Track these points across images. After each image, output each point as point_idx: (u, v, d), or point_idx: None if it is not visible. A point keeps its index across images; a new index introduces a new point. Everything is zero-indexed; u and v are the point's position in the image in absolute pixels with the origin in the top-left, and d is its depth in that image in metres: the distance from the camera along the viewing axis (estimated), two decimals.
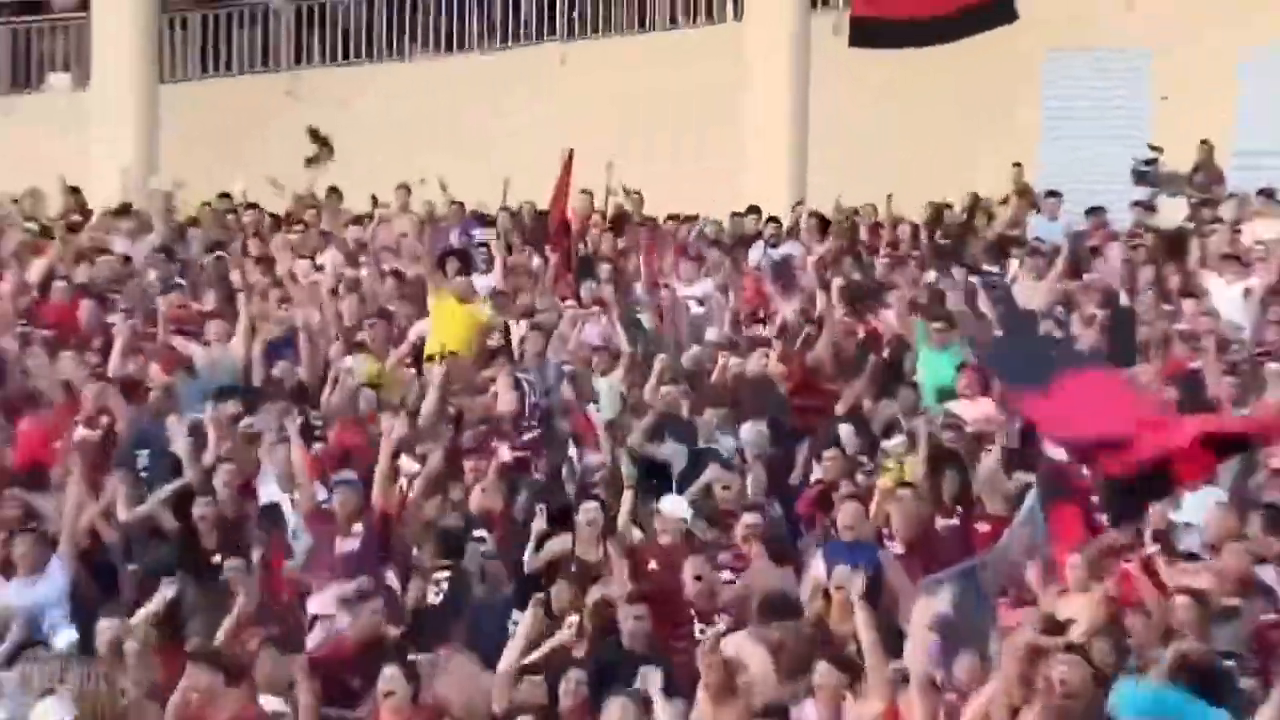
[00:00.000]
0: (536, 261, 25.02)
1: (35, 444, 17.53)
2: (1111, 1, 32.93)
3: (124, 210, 27.09)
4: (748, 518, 16.36)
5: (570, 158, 24.62)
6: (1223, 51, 31.26)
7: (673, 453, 18.27)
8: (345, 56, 34.48)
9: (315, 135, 33.24)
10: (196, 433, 17.54)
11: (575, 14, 34.65)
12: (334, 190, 26.93)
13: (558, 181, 24.72)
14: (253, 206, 26.11)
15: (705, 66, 32.41)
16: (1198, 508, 16.06)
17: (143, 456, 17.57)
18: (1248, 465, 17.88)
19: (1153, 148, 28.50)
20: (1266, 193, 26.39)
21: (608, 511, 16.52)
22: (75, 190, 27.96)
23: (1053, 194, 27.39)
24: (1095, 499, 16.41)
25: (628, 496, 16.69)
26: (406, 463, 17.63)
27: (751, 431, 19.37)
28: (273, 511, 17.00)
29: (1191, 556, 15.20)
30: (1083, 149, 31.40)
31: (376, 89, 33.47)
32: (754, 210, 27.16)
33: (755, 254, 25.68)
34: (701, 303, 23.49)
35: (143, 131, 31.27)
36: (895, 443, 18.09)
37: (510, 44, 34.71)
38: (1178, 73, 31.09)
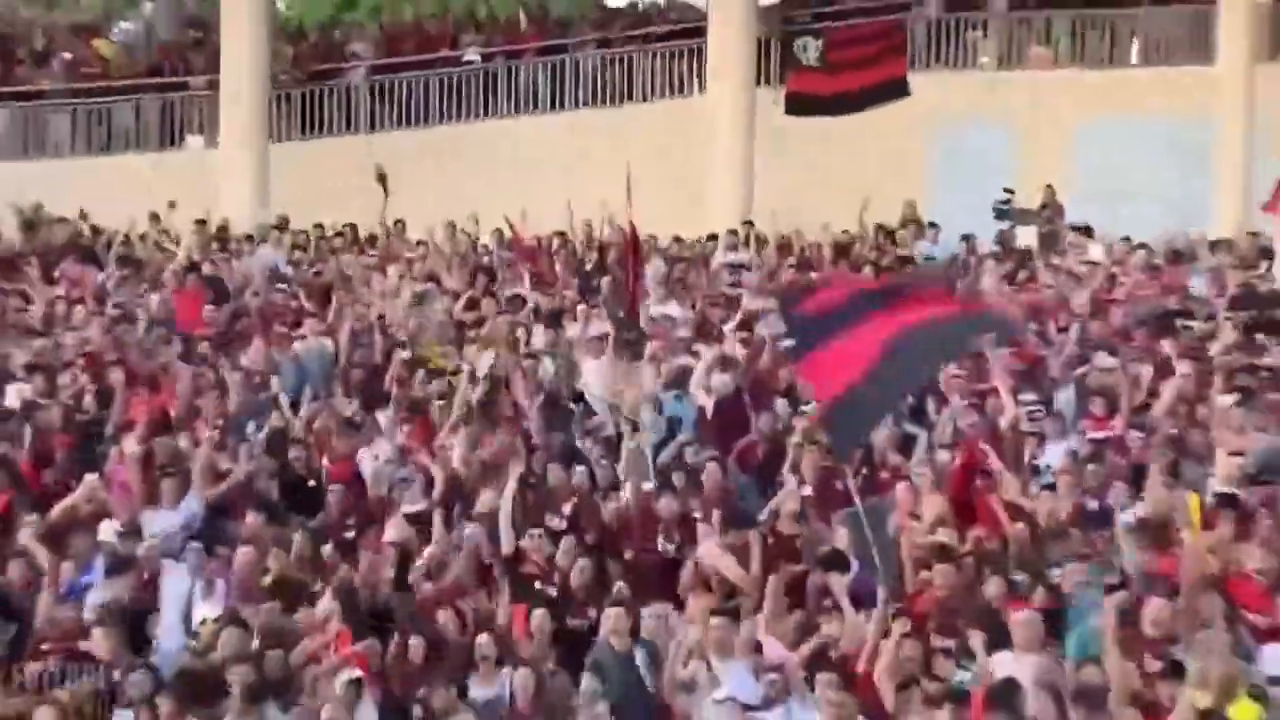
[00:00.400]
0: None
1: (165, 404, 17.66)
2: (978, 85, 32.63)
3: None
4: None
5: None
6: (1065, 124, 31.07)
7: (651, 422, 17.91)
8: (408, 123, 33.26)
9: (380, 176, 33.40)
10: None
11: (579, 91, 33.64)
12: (399, 221, 26.36)
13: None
14: (339, 234, 25.90)
15: (678, 129, 31.97)
16: (1056, 455, 16.13)
17: (250, 426, 17.55)
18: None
19: (1007, 190, 27.60)
20: (1085, 230, 25.93)
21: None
22: (221, 226, 27.64)
23: (933, 225, 26.97)
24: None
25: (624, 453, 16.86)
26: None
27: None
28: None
29: (1051, 487, 15.25)
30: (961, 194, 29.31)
31: (432, 147, 32.21)
32: (713, 238, 26.66)
33: (716, 258, 25.32)
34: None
35: (258, 181, 30.77)
36: (809, 407, 17.28)
37: (530, 113, 33.62)
38: (1030, 138, 30.71)
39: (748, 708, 11.59)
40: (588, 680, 12.20)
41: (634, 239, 21.06)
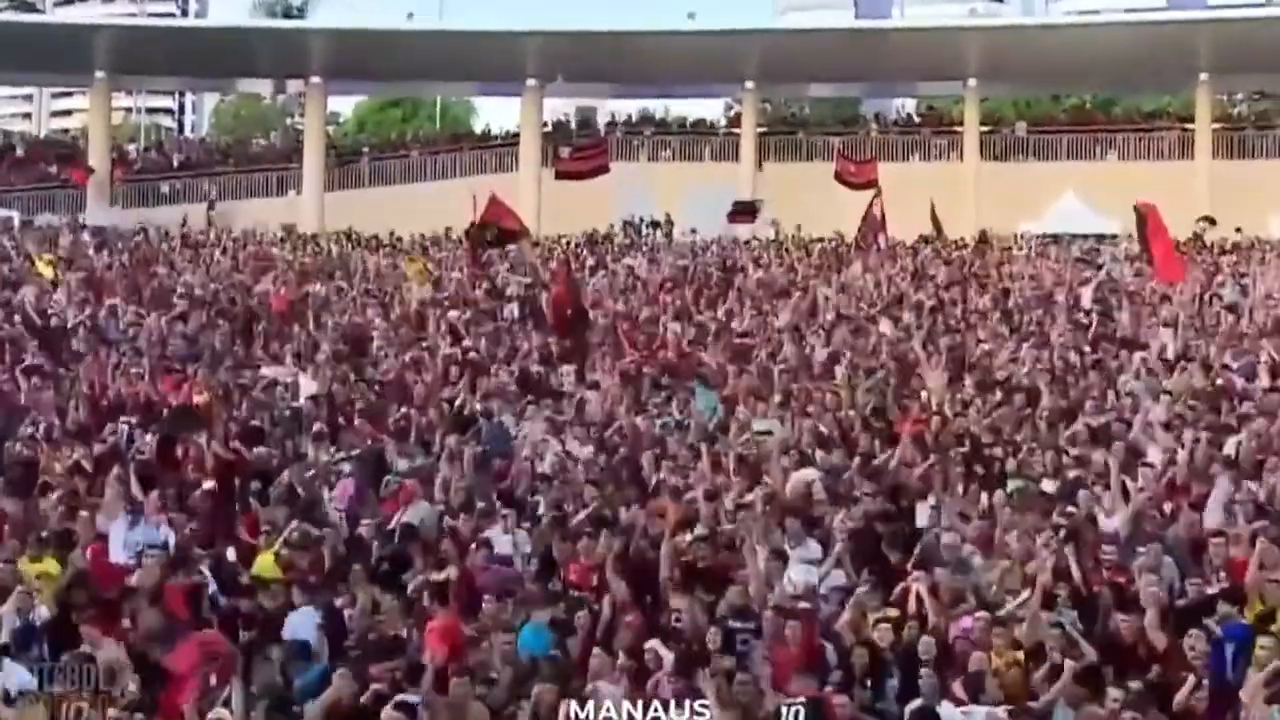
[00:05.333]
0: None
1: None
2: (639, 169, 50.96)
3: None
4: None
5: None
6: (676, 192, 49.08)
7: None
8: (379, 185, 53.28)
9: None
10: None
11: (468, 167, 52.52)
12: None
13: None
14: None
15: (506, 187, 38.58)
16: None
17: None
18: None
19: (652, 217, 47.36)
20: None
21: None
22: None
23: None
24: None
25: None
26: None
27: None
28: None
29: None
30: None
31: (391, 201, 49.44)
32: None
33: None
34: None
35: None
36: None
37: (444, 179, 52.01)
38: (665, 194, 48.06)
39: None
40: None
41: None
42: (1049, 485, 15.82)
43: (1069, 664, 11.10)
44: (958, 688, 11.58)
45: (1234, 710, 10.71)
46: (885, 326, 24.20)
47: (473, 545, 14.37)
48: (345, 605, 12.84)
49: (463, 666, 11.31)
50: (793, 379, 20.61)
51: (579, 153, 43.87)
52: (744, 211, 43.73)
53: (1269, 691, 10.34)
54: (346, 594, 13.12)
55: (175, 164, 59.23)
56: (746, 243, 43.01)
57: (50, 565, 13.71)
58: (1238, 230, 41.50)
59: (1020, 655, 11.84)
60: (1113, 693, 10.66)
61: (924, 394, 19.76)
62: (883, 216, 32.23)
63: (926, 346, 21.72)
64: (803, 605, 12.83)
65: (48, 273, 29.69)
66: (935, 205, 35.42)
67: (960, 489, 15.77)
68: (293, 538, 14.59)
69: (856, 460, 16.70)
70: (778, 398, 19.33)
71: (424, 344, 23.77)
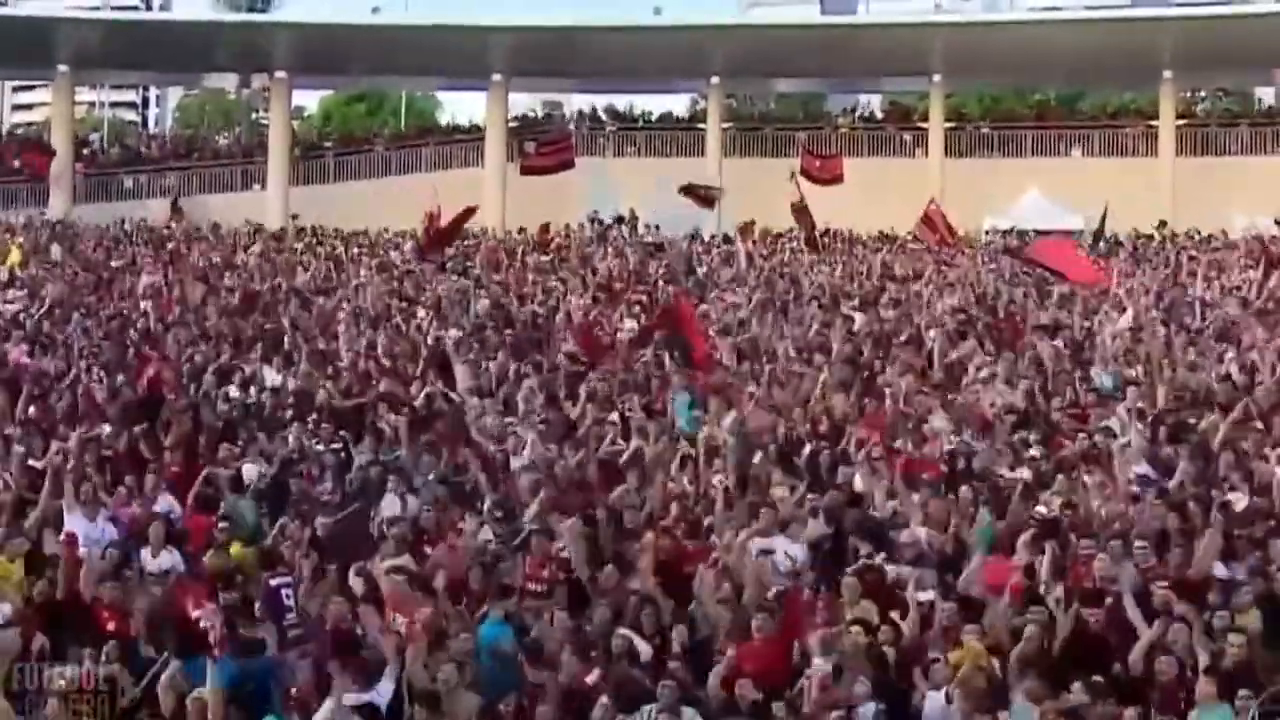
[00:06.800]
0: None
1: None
2: (599, 163, 50.84)
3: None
4: None
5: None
6: (637, 186, 47.17)
7: None
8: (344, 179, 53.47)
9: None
10: None
11: (430, 162, 52.97)
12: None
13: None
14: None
15: (472, 182, 47.81)
16: None
17: None
18: None
19: (617, 213, 46.79)
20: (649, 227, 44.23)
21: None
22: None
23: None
24: None
25: None
26: None
27: None
28: None
29: None
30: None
31: (356, 196, 49.65)
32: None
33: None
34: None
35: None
36: None
37: (413, 174, 51.78)
38: (624, 191, 47.67)
39: None
40: None
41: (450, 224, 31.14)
42: (1024, 475, 15.72)
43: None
44: (917, 677, 11.39)
45: (1189, 694, 10.77)
46: (857, 320, 24.15)
47: (441, 539, 14.28)
48: (283, 584, 12.44)
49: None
50: (760, 373, 20.41)
51: (544, 147, 43.13)
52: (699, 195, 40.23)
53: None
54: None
55: (139, 158, 58.96)
56: (712, 238, 42.62)
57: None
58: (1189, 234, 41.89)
59: (985, 649, 11.61)
60: (1076, 686, 10.53)
61: (888, 391, 19.44)
62: (802, 200, 32.40)
63: (892, 343, 21.76)
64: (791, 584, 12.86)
65: (15, 257, 29.19)
66: (942, 213, 34.77)
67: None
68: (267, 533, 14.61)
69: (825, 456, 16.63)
70: (744, 393, 19.12)
71: (387, 337, 23.54)
